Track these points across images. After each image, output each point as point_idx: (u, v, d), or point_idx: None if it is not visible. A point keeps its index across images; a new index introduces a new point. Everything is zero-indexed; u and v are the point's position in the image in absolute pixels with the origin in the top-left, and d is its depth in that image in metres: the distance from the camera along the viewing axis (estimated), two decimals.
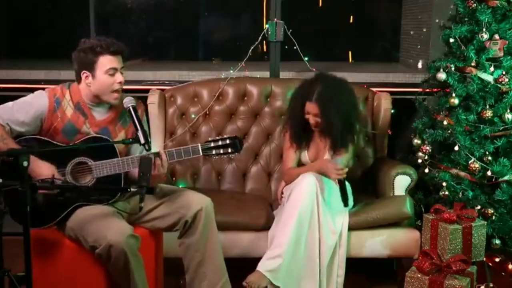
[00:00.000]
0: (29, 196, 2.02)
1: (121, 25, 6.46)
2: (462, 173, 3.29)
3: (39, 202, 2.20)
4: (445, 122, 3.30)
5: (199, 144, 2.49)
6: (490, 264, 3.21)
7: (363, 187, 3.40)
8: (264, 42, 3.95)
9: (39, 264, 2.40)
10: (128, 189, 2.32)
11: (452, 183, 3.29)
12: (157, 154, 2.43)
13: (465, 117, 3.25)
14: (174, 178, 3.52)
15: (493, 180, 3.23)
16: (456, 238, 2.83)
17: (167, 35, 6.44)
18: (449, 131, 3.31)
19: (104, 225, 2.37)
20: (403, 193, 3.18)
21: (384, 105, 3.55)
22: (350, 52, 6.02)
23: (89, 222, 2.39)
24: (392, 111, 3.58)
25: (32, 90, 2.58)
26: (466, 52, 3.26)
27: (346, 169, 2.93)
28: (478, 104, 3.26)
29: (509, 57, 3.21)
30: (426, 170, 3.43)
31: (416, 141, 3.50)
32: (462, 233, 2.84)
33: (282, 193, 3.13)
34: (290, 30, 3.80)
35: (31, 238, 2.06)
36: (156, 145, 3.46)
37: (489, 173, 3.21)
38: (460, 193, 3.28)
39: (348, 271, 2.94)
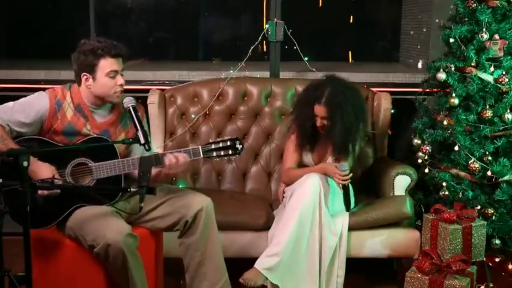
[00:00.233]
0: (29, 196, 2.01)
1: (121, 25, 6.46)
2: (462, 173, 3.29)
3: (40, 203, 2.20)
4: (445, 122, 3.30)
5: (200, 146, 2.49)
6: (490, 264, 3.21)
7: (363, 187, 3.39)
8: (264, 42, 3.95)
9: (39, 264, 2.40)
10: (128, 190, 2.32)
11: (452, 183, 3.29)
12: (157, 155, 2.44)
13: (465, 117, 3.25)
14: (174, 178, 3.51)
15: (493, 180, 3.23)
16: (456, 238, 2.83)
17: (167, 35, 6.43)
18: (449, 131, 3.31)
19: (103, 224, 2.37)
20: (403, 193, 3.18)
21: (384, 105, 3.55)
22: (350, 52, 6.02)
23: (88, 222, 2.39)
24: (392, 111, 3.58)
25: (32, 90, 2.57)
26: (466, 52, 3.26)
27: (351, 174, 2.91)
28: (478, 104, 3.26)
29: (509, 57, 3.21)
30: (426, 170, 3.44)
31: (416, 141, 3.50)
32: (462, 233, 2.84)
33: (283, 192, 3.12)
34: (290, 30, 3.80)
35: (31, 238, 2.05)
36: (156, 145, 3.47)
37: (489, 173, 3.21)
38: (460, 193, 3.28)
39: (348, 271, 2.94)
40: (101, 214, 2.42)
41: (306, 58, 3.88)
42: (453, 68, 3.32)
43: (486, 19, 3.21)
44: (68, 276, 2.46)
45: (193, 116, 3.59)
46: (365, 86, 3.82)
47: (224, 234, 2.86)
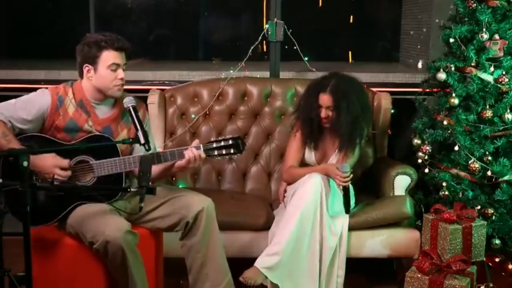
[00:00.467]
0: (29, 196, 2.02)
1: (121, 25, 6.44)
2: (462, 173, 3.29)
3: (41, 199, 2.21)
4: (445, 122, 3.31)
5: (201, 145, 2.48)
6: (490, 264, 3.21)
7: (363, 187, 3.39)
8: (264, 42, 3.95)
9: (39, 263, 2.40)
10: (128, 190, 2.33)
11: (452, 183, 3.29)
12: (158, 154, 2.44)
13: (465, 117, 3.25)
14: (174, 178, 3.52)
15: (493, 180, 3.23)
16: (456, 238, 2.83)
17: (167, 35, 6.43)
18: (449, 131, 3.31)
19: (102, 221, 2.37)
20: (403, 193, 3.18)
21: (384, 105, 3.55)
22: (350, 52, 6.02)
23: (88, 219, 2.40)
24: (392, 111, 3.58)
25: (32, 90, 2.58)
26: (466, 52, 3.26)
27: (351, 176, 2.89)
28: (478, 104, 3.26)
29: (509, 57, 3.21)
30: (426, 170, 3.44)
31: (416, 141, 3.50)
32: (462, 233, 2.84)
33: (285, 191, 3.11)
34: (290, 30, 3.80)
35: (31, 238, 2.06)
36: (156, 145, 3.47)
37: (489, 173, 3.21)
38: (460, 193, 3.28)
39: (348, 271, 2.94)
40: (101, 211, 2.43)
41: (306, 58, 3.88)
42: (453, 68, 3.32)
43: (486, 19, 3.21)
44: (68, 276, 2.46)
45: (193, 116, 3.59)
46: (365, 86, 3.82)
47: (224, 234, 2.85)
